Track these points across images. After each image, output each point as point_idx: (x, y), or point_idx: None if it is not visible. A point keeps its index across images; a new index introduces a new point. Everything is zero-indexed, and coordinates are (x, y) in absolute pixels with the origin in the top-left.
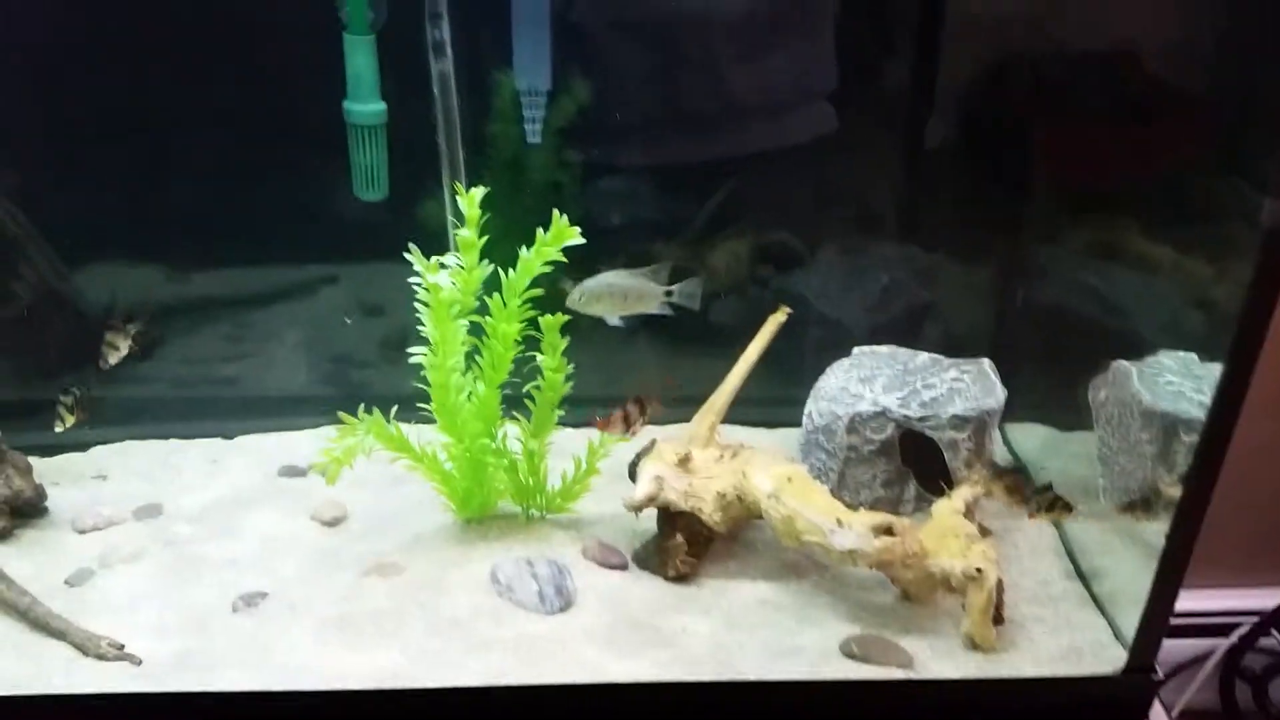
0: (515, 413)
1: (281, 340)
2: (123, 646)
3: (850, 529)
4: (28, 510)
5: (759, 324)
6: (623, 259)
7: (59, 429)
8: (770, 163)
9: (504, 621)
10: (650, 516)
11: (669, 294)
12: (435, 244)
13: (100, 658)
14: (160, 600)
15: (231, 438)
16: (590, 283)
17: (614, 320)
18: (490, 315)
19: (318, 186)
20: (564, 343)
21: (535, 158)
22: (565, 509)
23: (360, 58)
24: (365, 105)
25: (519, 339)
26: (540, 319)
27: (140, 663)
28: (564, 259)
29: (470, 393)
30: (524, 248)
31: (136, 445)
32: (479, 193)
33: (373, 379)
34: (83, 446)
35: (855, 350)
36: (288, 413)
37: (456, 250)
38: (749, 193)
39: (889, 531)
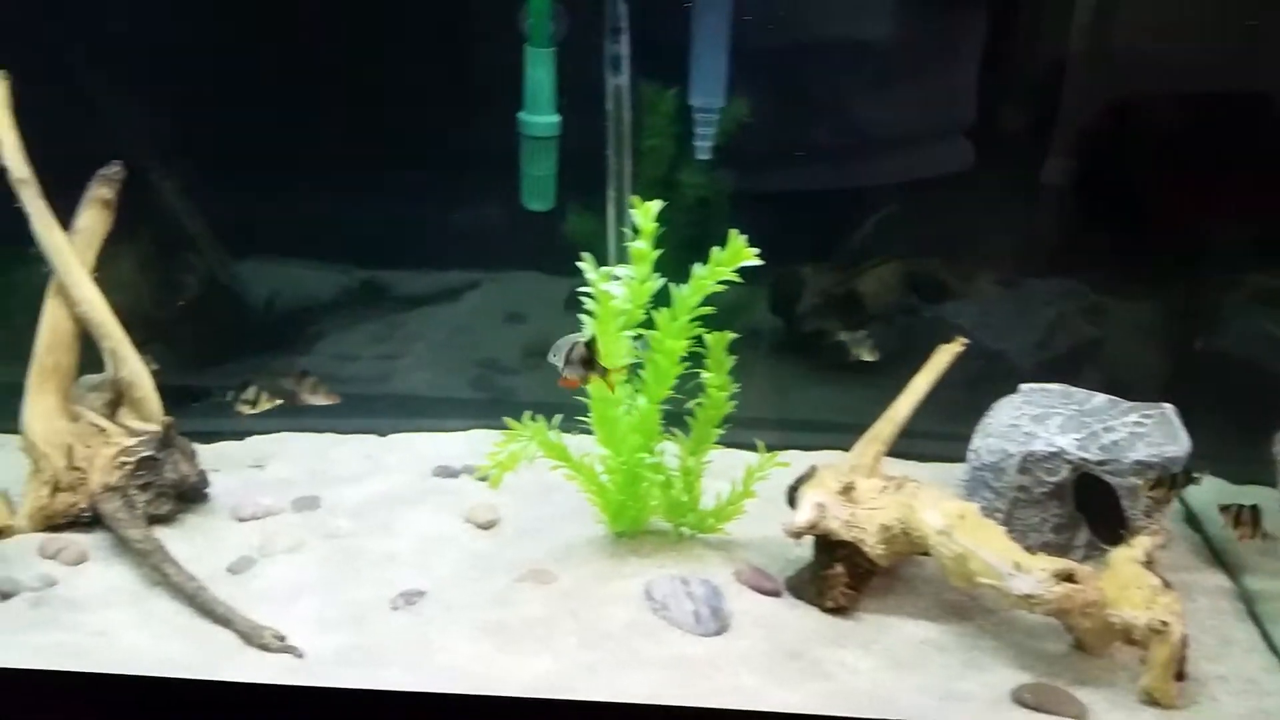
0: (673, 429)
1: (428, 342)
2: (284, 638)
3: (1029, 573)
4: (191, 495)
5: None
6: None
7: (248, 411)
8: (925, 191)
9: (658, 639)
10: (803, 544)
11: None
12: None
13: (264, 648)
14: (320, 593)
15: (384, 435)
16: (562, 341)
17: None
18: (656, 329)
19: (472, 195)
20: (730, 361)
21: (689, 174)
22: (717, 529)
23: (540, 70)
24: (541, 117)
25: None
26: (707, 336)
27: (302, 656)
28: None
29: (630, 406)
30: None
31: (293, 437)
32: (656, 206)
33: (518, 385)
34: (240, 435)
35: (1023, 387)
36: (437, 413)
37: (614, 261)
38: (901, 220)
39: (1070, 578)
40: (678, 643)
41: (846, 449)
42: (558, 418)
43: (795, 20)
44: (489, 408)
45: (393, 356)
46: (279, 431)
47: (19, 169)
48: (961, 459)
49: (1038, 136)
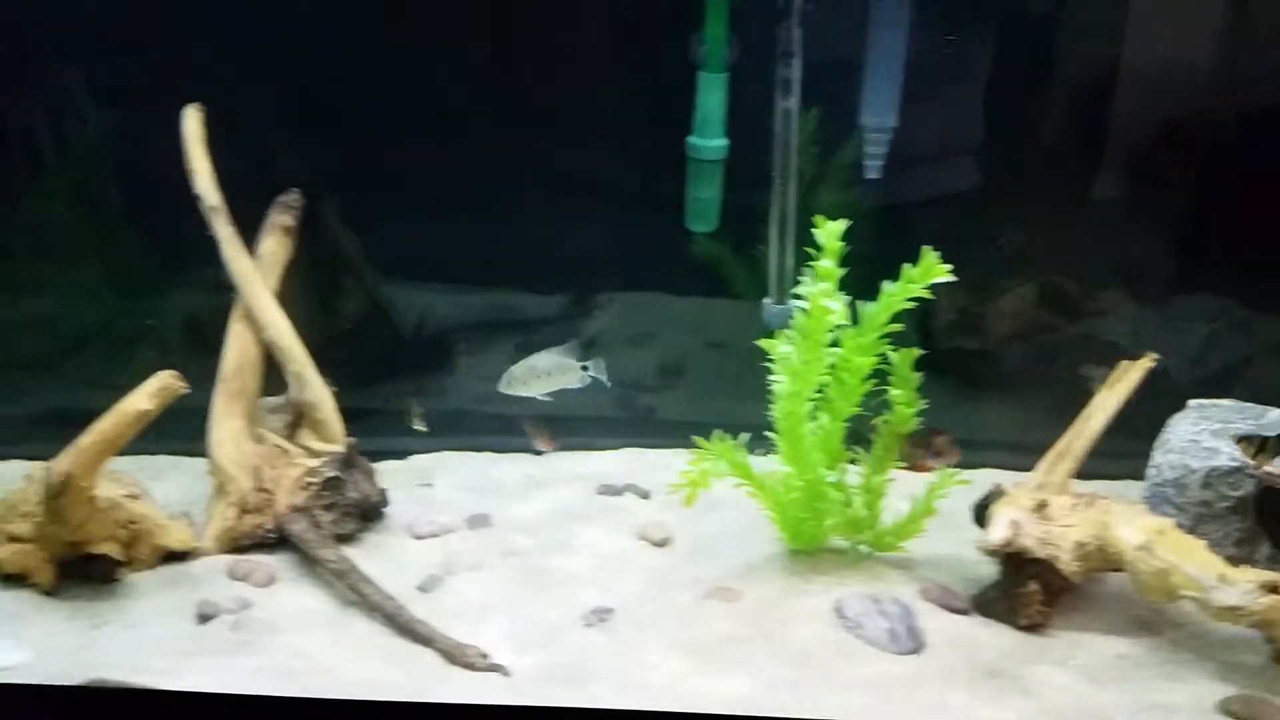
0: (855, 447)
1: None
2: (488, 656)
3: (1234, 586)
4: (371, 514)
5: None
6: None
7: (419, 427)
8: (1065, 210)
9: (855, 657)
10: (982, 562)
11: (585, 368)
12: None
13: (469, 667)
14: (510, 610)
15: (540, 453)
16: (516, 368)
17: (545, 396)
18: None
19: (603, 218)
20: (918, 379)
21: (835, 191)
22: (896, 547)
23: (713, 95)
24: (710, 140)
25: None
26: (892, 353)
27: (510, 674)
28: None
29: (817, 424)
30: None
31: (452, 456)
32: (841, 225)
33: (657, 404)
34: (402, 454)
35: (1192, 403)
36: (584, 432)
37: (775, 281)
38: (1042, 239)
39: (1276, 590)
40: (875, 661)
41: (996, 466)
42: (744, 436)
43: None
44: (633, 426)
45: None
46: (438, 451)
47: (211, 197)
48: (1126, 475)
49: (1177, 153)
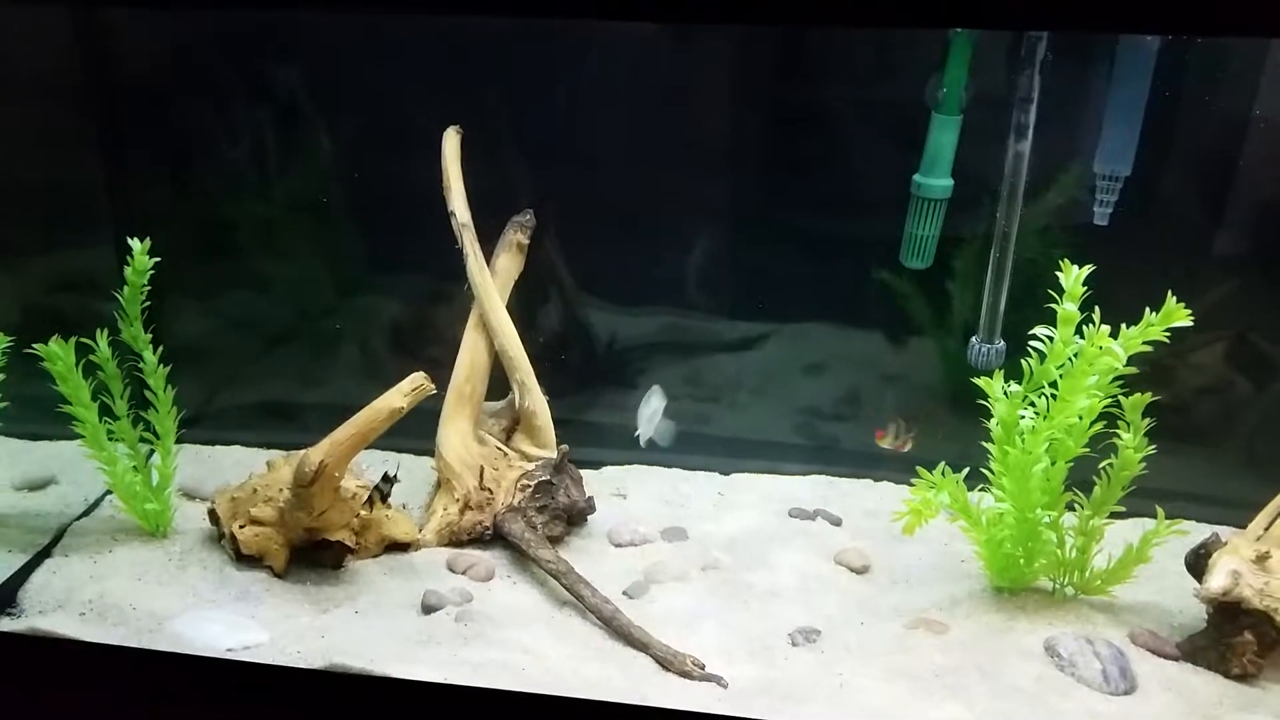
0: (1073, 489)
1: (745, 387)
2: (704, 666)
3: None
4: (577, 519)
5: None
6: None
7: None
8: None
9: (1069, 695)
10: (1187, 610)
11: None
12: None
13: (685, 675)
14: (717, 622)
15: (726, 474)
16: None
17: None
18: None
19: (792, 249)
20: (1146, 424)
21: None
22: (1104, 591)
23: (945, 135)
24: (937, 180)
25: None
26: (1123, 398)
27: (727, 685)
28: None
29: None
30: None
31: (643, 470)
32: (1086, 270)
33: (839, 433)
34: (595, 465)
35: None
36: (768, 456)
37: (986, 321)
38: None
39: None
40: (1089, 699)
41: (1186, 517)
42: (964, 471)
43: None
44: (815, 454)
45: (715, 399)
46: (631, 464)
47: (463, 214)
48: None
49: None
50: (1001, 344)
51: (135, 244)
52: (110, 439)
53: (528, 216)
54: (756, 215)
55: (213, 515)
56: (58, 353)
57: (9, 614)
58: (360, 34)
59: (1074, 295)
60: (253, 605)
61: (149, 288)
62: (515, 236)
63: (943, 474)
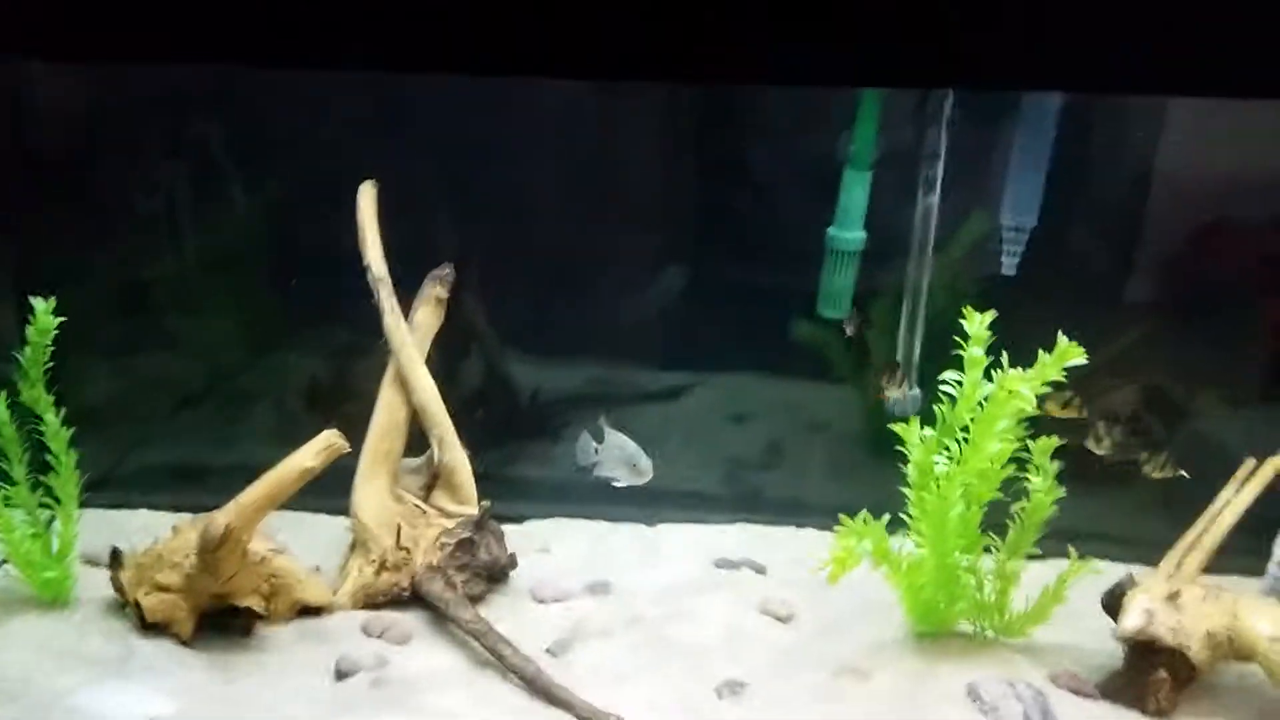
0: (989, 532)
1: (668, 439)
2: None
3: None
4: (499, 577)
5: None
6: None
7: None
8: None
9: None
10: (1103, 649)
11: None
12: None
13: None
14: (642, 678)
15: (652, 525)
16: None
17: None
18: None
19: (706, 299)
20: (1055, 467)
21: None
22: (1023, 633)
23: (856, 191)
24: (850, 233)
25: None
26: (1031, 442)
27: None
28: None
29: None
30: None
31: (568, 523)
32: (989, 316)
33: (764, 482)
34: (518, 519)
35: None
36: (693, 507)
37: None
38: (1153, 341)
39: None
40: None
41: (1101, 557)
42: (885, 518)
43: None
44: (741, 503)
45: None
46: (554, 517)
47: (379, 268)
48: (1233, 570)
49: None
50: (918, 391)
51: (38, 303)
52: (7, 504)
53: (446, 270)
54: (679, 268)
55: (116, 583)
56: None
57: None
58: (275, 89)
59: (979, 339)
60: (158, 676)
61: (52, 348)
62: (434, 290)
63: (864, 521)
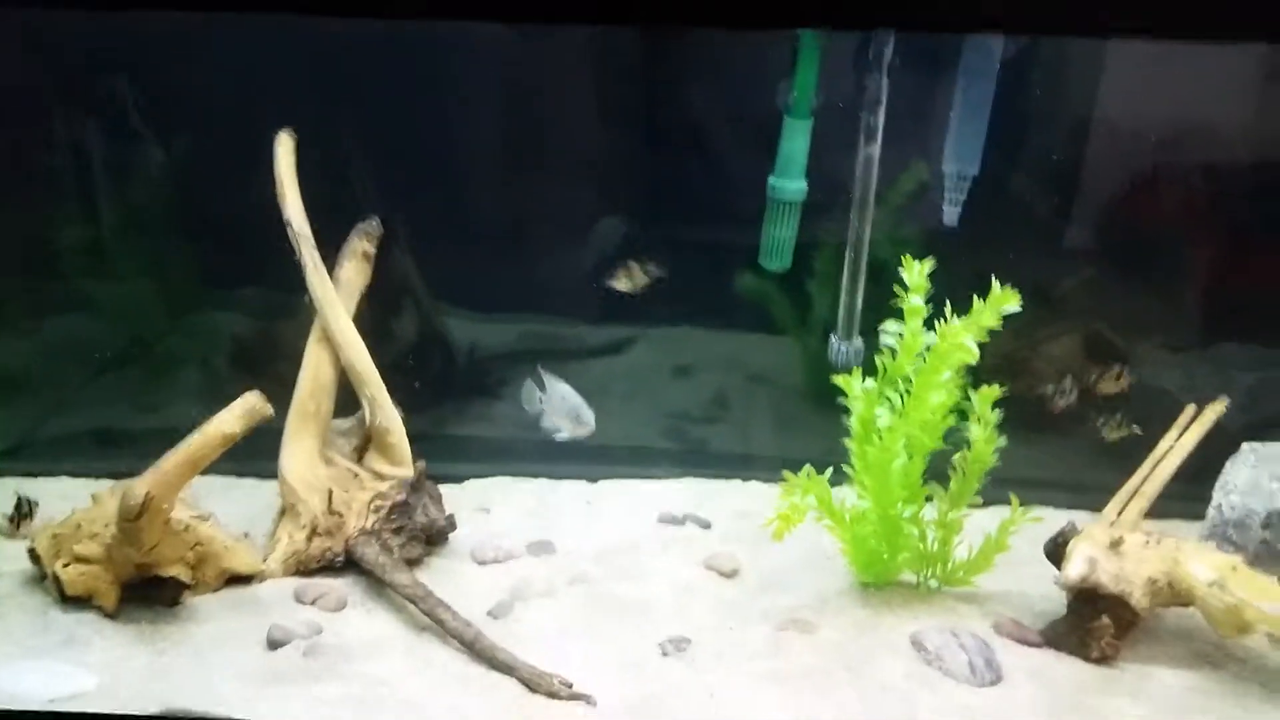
0: (932, 482)
1: (613, 393)
2: (571, 685)
3: None
4: (437, 539)
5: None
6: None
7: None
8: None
9: (937, 690)
10: (1048, 597)
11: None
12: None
13: (551, 695)
14: (585, 638)
15: (595, 481)
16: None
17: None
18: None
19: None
20: (996, 416)
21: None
22: (967, 582)
23: (797, 140)
24: (791, 183)
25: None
26: (974, 391)
27: (595, 703)
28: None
29: (900, 459)
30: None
31: (509, 482)
32: (928, 265)
33: (708, 435)
34: (459, 479)
35: (1245, 446)
36: (637, 462)
37: (844, 320)
38: (1095, 287)
39: None
40: (957, 693)
41: (1048, 505)
42: (828, 471)
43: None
44: (685, 457)
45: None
46: (495, 476)
47: (300, 223)
48: (1175, 515)
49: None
50: (859, 342)
51: None
52: None
53: (374, 224)
54: (619, 220)
55: (33, 554)
56: None
57: None
58: (191, 39)
59: (918, 288)
60: (80, 650)
61: None
62: (360, 244)
63: (808, 476)
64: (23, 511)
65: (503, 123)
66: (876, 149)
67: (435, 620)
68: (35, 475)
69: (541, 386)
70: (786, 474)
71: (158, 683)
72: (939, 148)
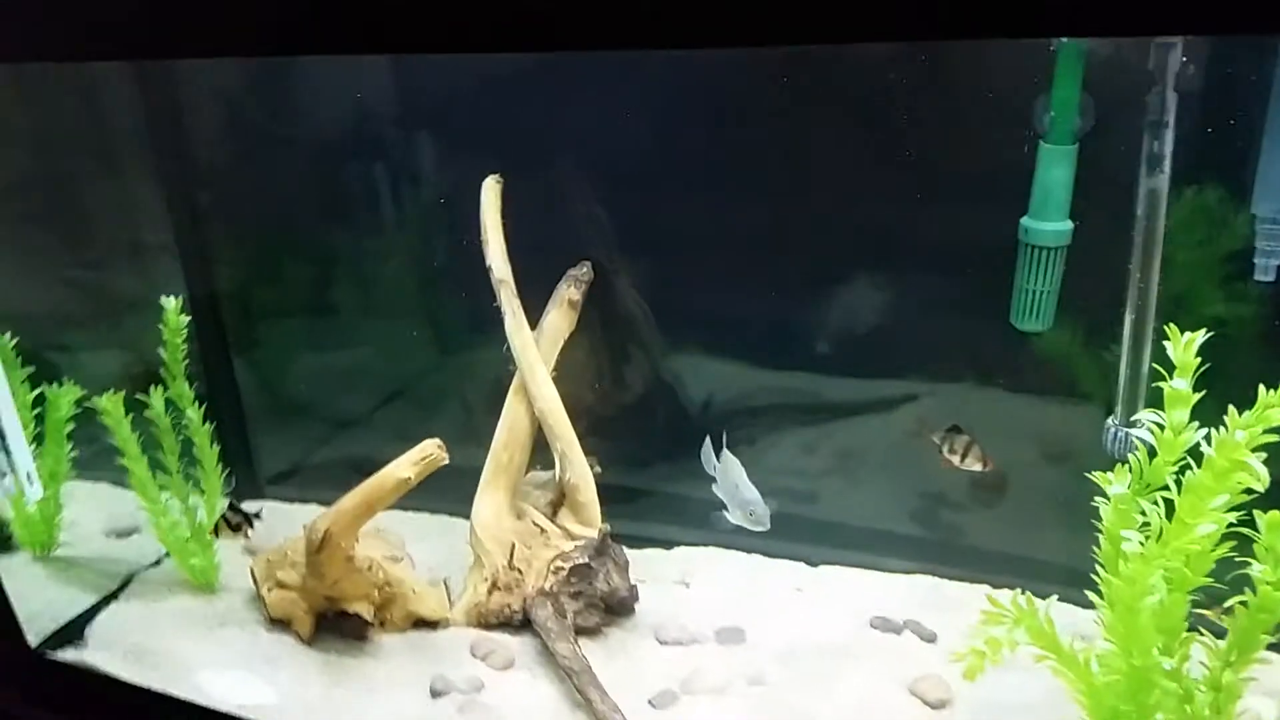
0: (1200, 628)
1: (862, 461)
2: None
3: None
4: (618, 609)
5: None
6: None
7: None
8: None
9: None
10: None
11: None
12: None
13: None
14: None
15: (814, 565)
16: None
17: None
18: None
19: (928, 299)
20: None
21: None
22: None
23: (1057, 170)
24: (1050, 224)
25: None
26: (1259, 514)
27: None
28: None
29: (1157, 595)
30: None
31: (719, 553)
32: (1198, 336)
33: (966, 524)
34: (668, 544)
35: None
36: (870, 547)
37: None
38: None
39: None
40: None
41: None
42: (1052, 599)
43: None
44: (931, 549)
45: (824, 473)
46: (706, 545)
47: (501, 269)
48: None
49: None
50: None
51: (169, 302)
52: (164, 492)
53: (584, 270)
54: (869, 261)
55: (253, 574)
56: (108, 406)
57: (73, 645)
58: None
59: (1186, 369)
60: (273, 669)
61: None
62: (568, 292)
63: (1024, 601)
64: (232, 523)
65: (736, 148)
66: (1164, 181)
67: (584, 699)
68: (291, 501)
69: (714, 459)
70: (990, 598)
71: (322, 712)
72: (1240, 183)
